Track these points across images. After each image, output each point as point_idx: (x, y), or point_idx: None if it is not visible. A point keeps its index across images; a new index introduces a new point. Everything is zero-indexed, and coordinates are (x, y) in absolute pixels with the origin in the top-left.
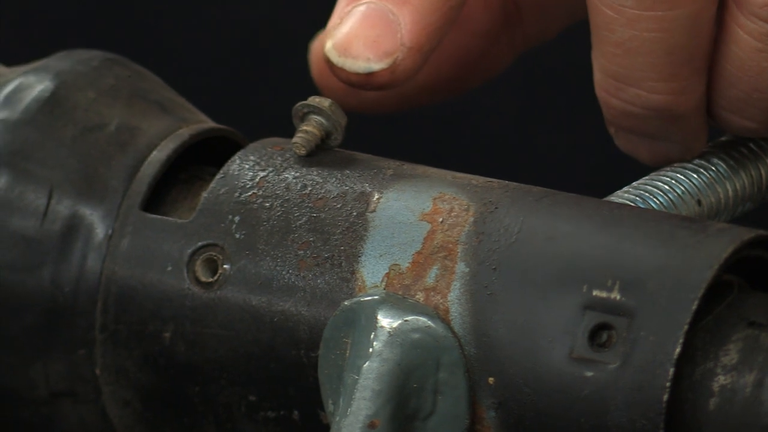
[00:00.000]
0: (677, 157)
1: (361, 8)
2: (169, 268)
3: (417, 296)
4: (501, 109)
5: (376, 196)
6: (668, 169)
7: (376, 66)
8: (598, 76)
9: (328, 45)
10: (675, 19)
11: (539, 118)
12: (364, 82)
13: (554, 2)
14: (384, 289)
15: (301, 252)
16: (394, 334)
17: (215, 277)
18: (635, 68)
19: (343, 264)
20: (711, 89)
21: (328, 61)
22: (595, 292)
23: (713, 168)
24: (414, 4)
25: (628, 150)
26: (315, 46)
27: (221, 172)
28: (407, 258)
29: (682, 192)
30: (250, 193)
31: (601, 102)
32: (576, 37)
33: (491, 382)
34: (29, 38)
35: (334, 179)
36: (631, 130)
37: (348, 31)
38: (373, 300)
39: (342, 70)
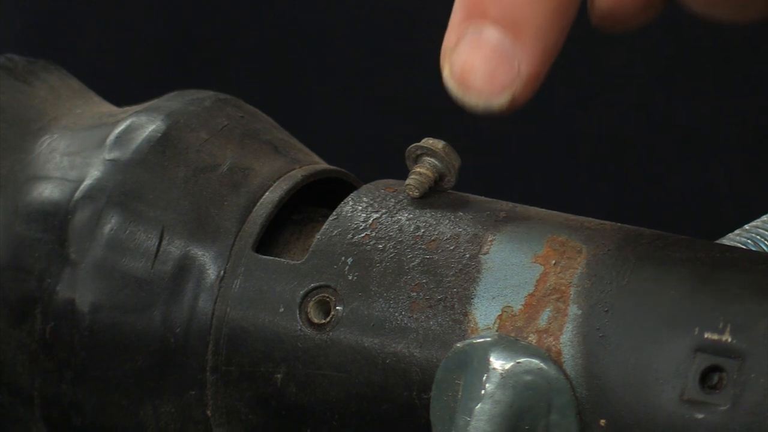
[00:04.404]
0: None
1: (477, 35)
2: (282, 310)
3: (529, 338)
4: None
5: (489, 238)
6: None
7: (495, 103)
8: None
9: (446, 71)
10: None
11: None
12: (482, 113)
13: None
14: (496, 331)
15: (414, 294)
16: (506, 376)
17: (327, 319)
18: None
19: (455, 306)
20: None
21: (446, 87)
22: (706, 335)
23: None
24: (531, 30)
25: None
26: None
27: (334, 213)
28: (520, 300)
29: None
30: (363, 235)
31: None
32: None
33: (603, 424)
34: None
35: (447, 221)
36: None
37: (464, 61)
38: (485, 342)
39: (461, 101)
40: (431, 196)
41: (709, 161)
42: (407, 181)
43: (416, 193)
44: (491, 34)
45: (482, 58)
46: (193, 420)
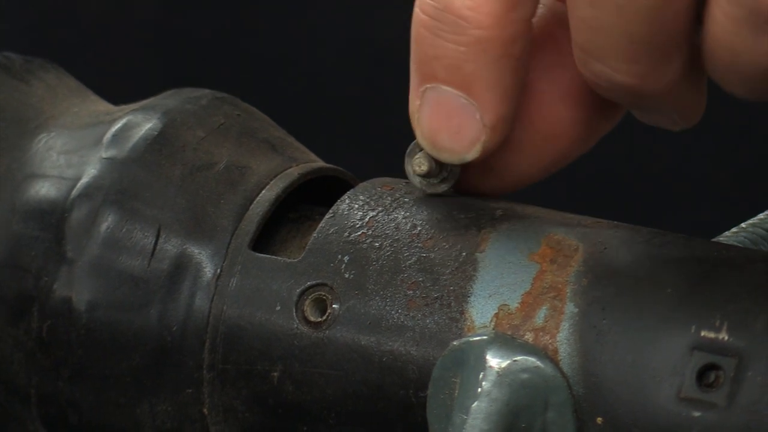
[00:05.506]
0: (672, 126)
1: (435, 94)
2: (278, 308)
3: (526, 336)
4: None
5: (486, 236)
6: None
7: (468, 157)
8: (572, 43)
9: (419, 134)
10: (636, 9)
11: None
12: (464, 166)
13: None
14: (493, 329)
15: (411, 292)
16: (502, 374)
17: (324, 317)
18: (598, 45)
19: (452, 304)
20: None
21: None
22: (703, 333)
23: None
24: (481, 83)
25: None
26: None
27: (331, 211)
28: (516, 298)
29: None
30: (359, 233)
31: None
32: None
33: (599, 422)
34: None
35: (443, 219)
36: (612, 98)
37: (429, 123)
38: (482, 340)
39: (437, 158)
40: (428, 195)
41: (700, 201)
42: (413, 161)
43: (424, 168)
44: (447, 92)
45: (444, 117)
46: (189, 418)
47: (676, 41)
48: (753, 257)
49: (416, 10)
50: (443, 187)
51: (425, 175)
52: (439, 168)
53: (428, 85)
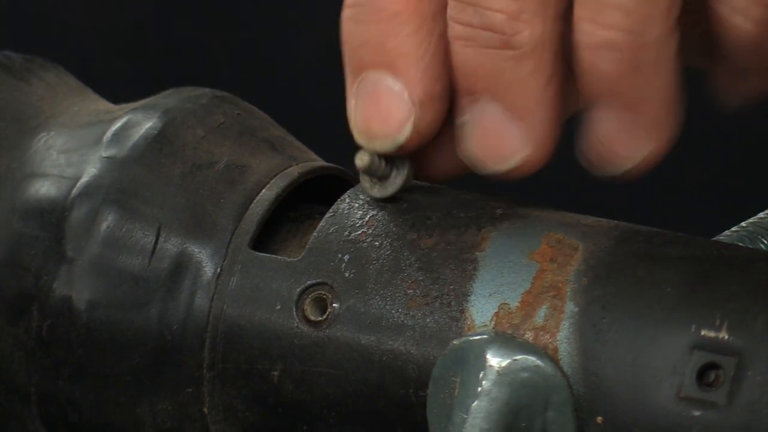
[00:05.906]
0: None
1: (360, 87)
2: (278, 307)
3: (526, 335)
4: None
5: (486, 235)
6: None
7: (402, 137)
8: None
9: (355, 131)
10: None
11: None
12: (402, 152)
13: None
14: (493, 328)
15: (411, 291)
16: (503, 373)
17: (324, 316)
18: None
19: (452, 303)
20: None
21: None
22: (703, 332)
23: None
24: (403, 59)
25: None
26: None
27: (331, 210)
28: (516, 297)
29: None
30: (359, 232)
31: (451, 40)
32: None
33: (600, 422)
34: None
35: (443, 218)
36: (475, 77)
37: (360, 115)
38: (482, 339)
39: (374, 151)
40: (428, 193)
41: (699, 201)
42: (355, 157)
43: (365, 160)
44: (374, 77)
45: (374, 104)
46: (189, 417)
47: None
48: (753, 256)
49: (343, 9)
50: (394, 187)
51: (368, 172)
52: (388, 166)
53: (359, 78)
